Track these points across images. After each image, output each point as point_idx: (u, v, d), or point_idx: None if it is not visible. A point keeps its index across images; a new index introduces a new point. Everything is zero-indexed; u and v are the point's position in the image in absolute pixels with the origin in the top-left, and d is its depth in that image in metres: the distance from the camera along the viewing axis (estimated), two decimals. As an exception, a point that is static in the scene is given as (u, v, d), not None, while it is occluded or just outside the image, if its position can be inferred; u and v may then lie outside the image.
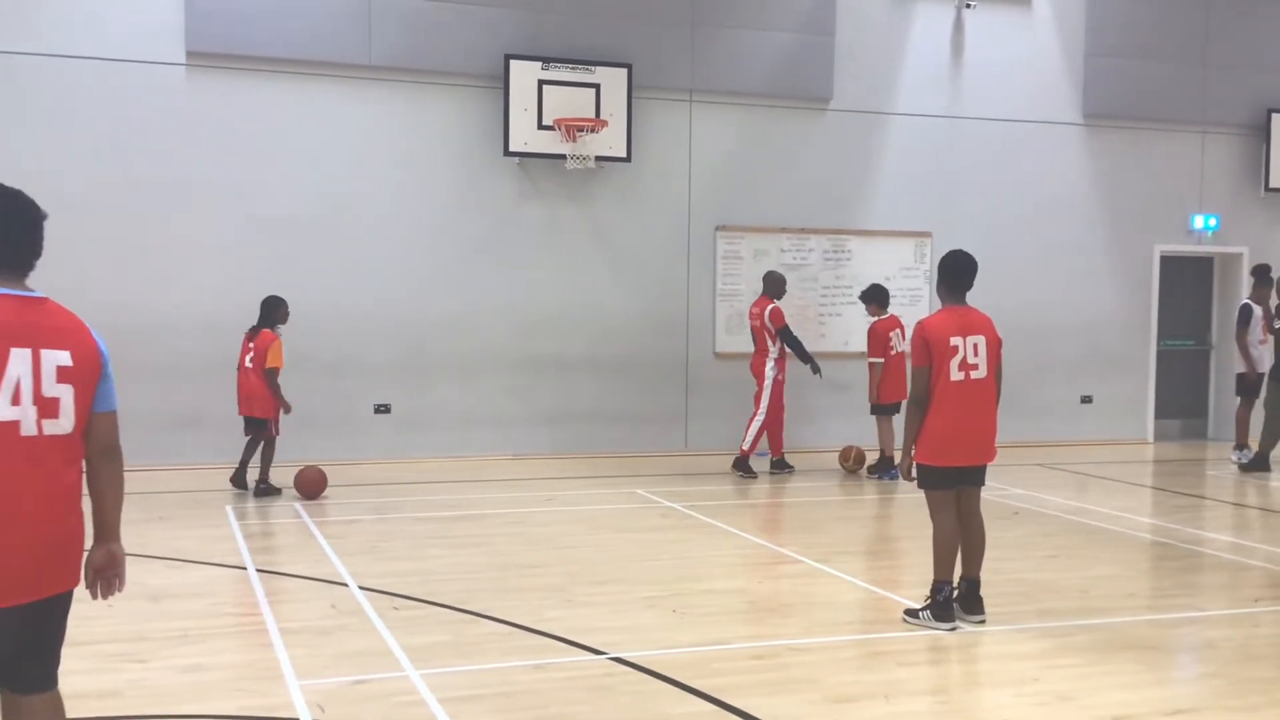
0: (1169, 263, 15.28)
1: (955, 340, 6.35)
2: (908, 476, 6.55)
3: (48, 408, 3.40)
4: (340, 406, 12.26)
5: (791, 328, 11.74)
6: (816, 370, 11.83)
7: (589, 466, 12.30)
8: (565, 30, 12.78)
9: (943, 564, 6.38)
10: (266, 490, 10.36)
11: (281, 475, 10.64)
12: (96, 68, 11.48)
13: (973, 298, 6.62)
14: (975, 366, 6.39)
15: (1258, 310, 12.95)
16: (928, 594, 6.44)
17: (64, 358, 3.44)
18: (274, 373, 10.21)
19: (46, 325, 3.45)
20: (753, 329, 11.86)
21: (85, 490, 3.57)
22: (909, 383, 11.47)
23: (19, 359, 3.35)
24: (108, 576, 3.66)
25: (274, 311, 10.46)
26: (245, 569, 7.63)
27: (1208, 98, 15.05)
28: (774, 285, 11.91)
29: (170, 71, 11.71)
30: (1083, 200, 14.81)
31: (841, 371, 13.40)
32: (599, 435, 13.12)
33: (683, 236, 13.37)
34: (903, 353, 11.59)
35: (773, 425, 11.83)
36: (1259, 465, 12.37)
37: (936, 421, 6.35)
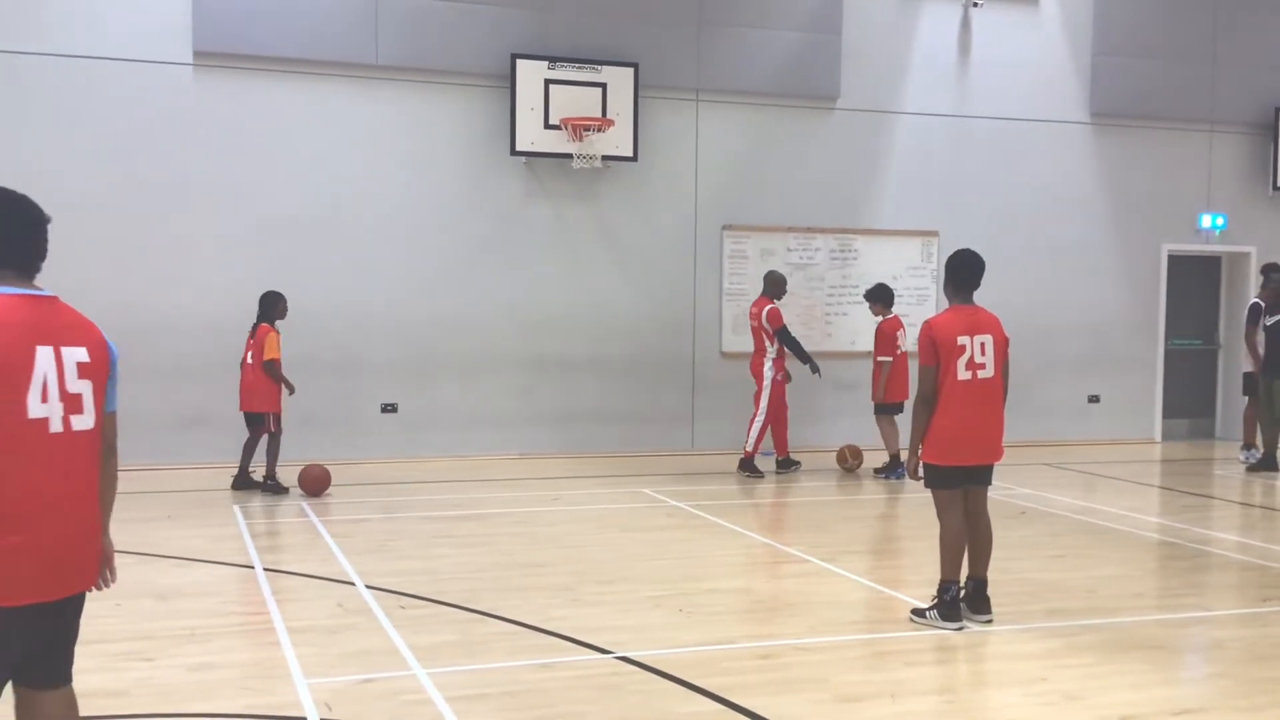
0: (1176, 262, 15.24)
1: (963, 339, 6.34)
2: (915, 475, 6.54)
3: (73, 404, 3.44)
4: (347, 406, 12.28)
5: (799, 326, 11.74)
6: (816, 370, 11.81)
7: (595, 466, 12.30)
8: (572, 30, 12.78)
9: (949, 563, 6.37)
10: (273, 488, 10.39)
11: (285, 474, 10.67)
12: (103, 67, 11.50)
13: (980, 297, 6.61)
14: (982, 366, 6.38)
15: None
16: (934, 593, 6.43)
17: (82, 354, 3.49)
18: (273, 364, 10.29)
19: (62, 323, 3.49)
20: (752, 329, 11.86)
21: None
22: (904, 382, 11.72)
23: (44, 356, 3.39)
24: (103, 572, 3.72)
25: (272, 307, 10.53)
26: (252, 568, 7.64)
27: (1215, 96, 15.02)
28: (774, 285, 11.89)
29: (177, 71, 11.73)
30: (1090, 199, 14.78)
31: (848, 371, 13.39)
32: (605, 435, 13.12)
33: (689, 236, 13.37)
34: (906, 352, 11.60)
35: (776, 424, 11.82)
36: (1267, 465, 12.33)
37: (944, 421, 6.34)
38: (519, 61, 12.47)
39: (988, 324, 6.47)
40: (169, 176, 11.69)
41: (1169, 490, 11.58)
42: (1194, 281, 15.51)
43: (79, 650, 3.68)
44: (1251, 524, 9.94)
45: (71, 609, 3.56)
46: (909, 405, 11.50)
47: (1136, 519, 9.78)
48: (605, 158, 12.63)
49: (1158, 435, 15.17)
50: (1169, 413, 15.32)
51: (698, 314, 13.41)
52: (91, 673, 5.18)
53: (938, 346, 6.35)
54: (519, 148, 12.51)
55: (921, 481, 6.52)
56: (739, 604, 7.00)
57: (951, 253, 6.69)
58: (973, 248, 6.72)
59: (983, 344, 6.39)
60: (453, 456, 12.58)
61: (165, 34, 11.65)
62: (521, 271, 12.81)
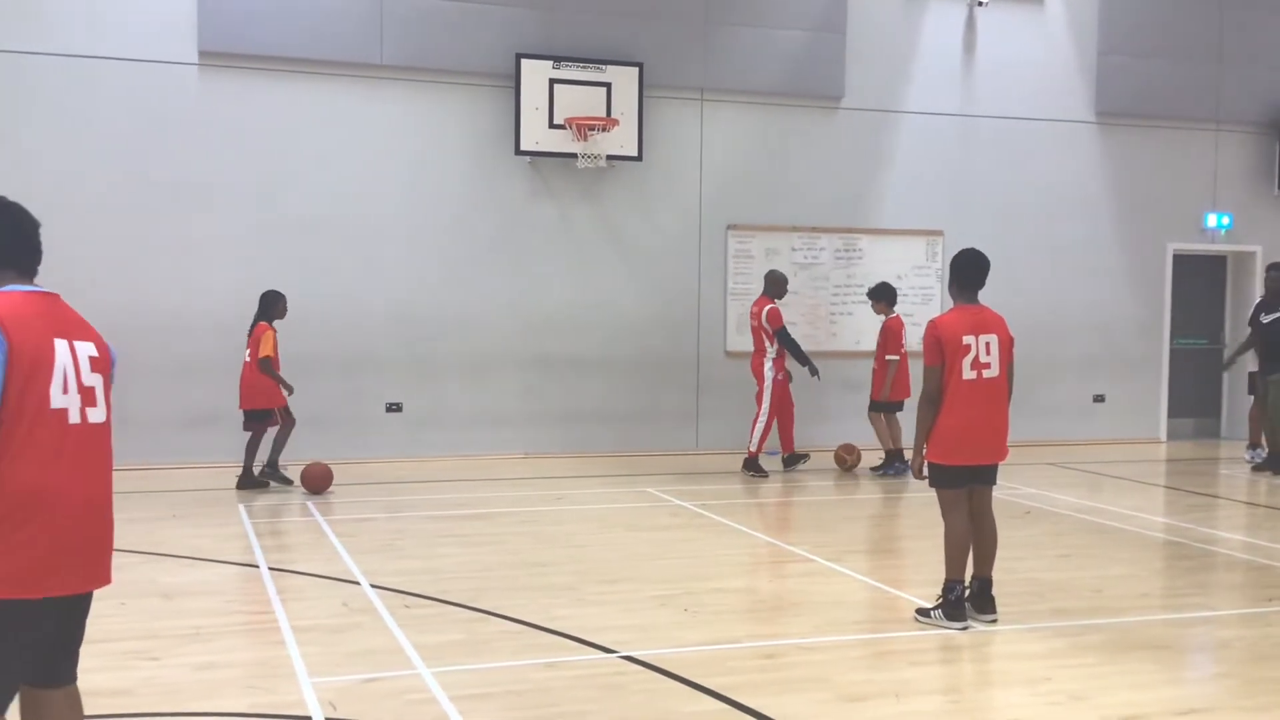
0: (1182, 261, 15.22)
1: (968, 339, 6.34)
2: (919, 475, 6.54)
3: (88, 397, 3.50)
4: (352, 405, 12.29)
5: (804, 325, 11.73)
6: (814, 372, 11.76)
7: (600, 465, 12.30)
8: (576, 29, 12.79)
9: (954, 563, 6.37)
10: (274, 475, 10.43)
11: (289, 474, 10.71)
12: (108, 67, 11.51)
13: (985, 296, 6.61)
14: (987, 365, 6.37)
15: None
16: (939, 593, 6.43)
17: (92, 349, 3.57)
18: (268, 361, 10.33)
19: (69, 319, 3.57)
20: (752, 329, 11.85)
21: None
22: (904, 381, 11.72)
23: (61, 348, 3.46)
24: None
25: (271, 306, 10.57)
26: (258, 567, 7.65)
27: (1221, 95, 14.99)
28: (774, 285, 11.87)
29: (182, 71, 11.75)
30: (1095, 199, 14.76)
31: (853, 370, 13.38)
32: (609, 434, 13.13)
33: (694, 235, 13.37)
34: (907, 351, 11.62)
35: (783, 420, 11.82)
36: (1273, 465, 12.30)
37: (948, 420, 6.34)
38: (524, 61, 12.47)
39: (993, 323, 6.46)
40: (174, 176, 11.70)
41: (1174, 490, 11.56)
42: (1199, 281, 15.49)
43: (83, 649, 3.69)
44: (1257, 523, 9.92)
45: (82, 607, 3.58)
46: (907, 405, 11.66)
47: (1142, 519, 9.77)
48: (610, 157, 12.63)
49: (1163, 435, 15.15)
50: (1174, 412, 15.30)
51: (702, 313, 13.41)
52: (96, 672, 5.19)
53: (943, 346, 6.34)
54: (524, 147, 12.52)
55: (926, 481, 6.52)
56: (743, 603, 7.00)
57: (957, 252, 6.68)
58: (978, 247, 6.72)
59: (988, 343, 6.38)
60: (457, 456, 12.59)
61: (170, 34, 11.67)
62: (526, 271, 12.81)
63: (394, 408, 12.50)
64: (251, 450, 10.57)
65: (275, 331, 10.49)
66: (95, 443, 3.52)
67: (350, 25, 12.15)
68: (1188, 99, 14.88)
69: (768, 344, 11.63)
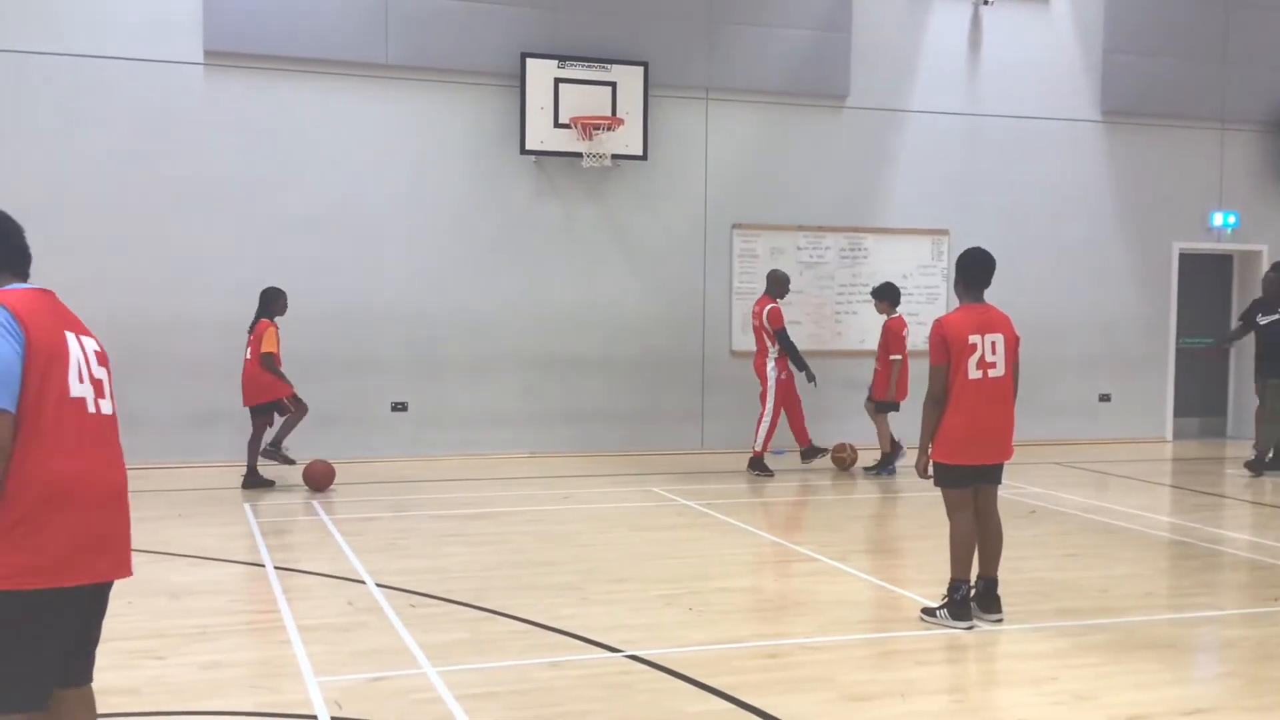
0: (1188, 260, 15.20)
1: (974, 338, 6.33)
2: (924, 475, 6.53)
3: (98, 388, 3.57)
4: (357, 404, 12.31)
5: (809, 325, 11.72)
6: (811, 378, 11.72)
7: (604, 465, 12.31)
8: (581, 28, 12.79)
9: (960, 562, 6.36)
10: (275, 455, 10.48)
11: (290, 471, 10.73)
12: (113, 67, 11.53)
13: (990, 295, 6.60)
14: (993, 365, 6.36)
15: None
16: (945, 593, 6.42)
17: (94, 344, 3.64)
18: (270, 358, 10.36)
19: (69, 314, 3.63)
20: (754, 328, 11.85)
21: None
22: (903, 381, 11.70)
23: (72, 341, 3.52)
24: None
25: (272, 303, 10.60)
26: (263, 566, 7.66)
27: (1227, 94, 14.97)
28: (776, 284, 11.85)
29: (187, 71, 11.76)
30: (1101, 198, 14.75)
31: (858, 370, 13.36)
32: (614, 433, 13.13)
33: (699, 235, 13.37)
34: (908, 352, 11.63)
35: (792, 417, 11.82)
36: (1257, 466, 12.19)
37: (954, 419, 6.33)
38: (529, 61, 12.48)
39: (999, 323, 6.46)
40: (179, 175, 11.72)
41: (1180, 489, 11.55)
42: (1205, 280, 15.46)
43: (90, 648, 3.71)
44: (1263, 523, 9.90)
45: (103, 601, 3.64)
46: (904, 405, 11.66)
47: (1147, 518, 9.75)
48: (615, 157, 12.64)
49: (1169, 434, 15.13)
50: (1180, 411, 15.28)
51: (707, 313, 13.41)
52: (103, 670, 5.17)
53: (949, 345, 6.33)
54: (529, 147, 12.53)
55: (931, 480, 6.51)
56: (748, 603, 7.00)
57: (962, 251, 6.67)
58: (983, 246, 6.71)
59: (994, 343, 6.37)
60: (463, 455, 12.60)
61: (175, 33, 11.69)
62: (531, 270, 12.82)
63: (399, 407, 12.51)
64: (254, 450, 10.59)
65: (277, 328, 10.52)
66: (111, 433, 3.60)
67: (355, 25, 12.16)
68: (1193, 98, 14.86)
69: (769, 344, 11.62)
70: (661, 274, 13.25)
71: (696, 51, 13.20)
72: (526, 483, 11.29)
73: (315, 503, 10.02)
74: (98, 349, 3.64)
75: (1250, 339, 12.90)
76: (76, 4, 11.43)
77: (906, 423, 11.04)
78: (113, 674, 5.29)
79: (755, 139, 13.48)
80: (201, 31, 11.73)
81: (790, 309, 12.08)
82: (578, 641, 5.98)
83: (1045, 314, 14.04)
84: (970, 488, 6.43)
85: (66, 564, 3.36)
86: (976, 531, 6.43)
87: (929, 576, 7.29)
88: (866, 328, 13.59)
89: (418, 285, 12.48)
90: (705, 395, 13.44)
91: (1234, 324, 15.43)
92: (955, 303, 6.80)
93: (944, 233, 14.08)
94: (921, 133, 14.04)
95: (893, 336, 11.78)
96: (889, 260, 13.88)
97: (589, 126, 12.46)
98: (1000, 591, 6.47)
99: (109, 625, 5.59)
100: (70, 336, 3.51)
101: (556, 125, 12.54)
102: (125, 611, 6.25)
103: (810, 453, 12.00)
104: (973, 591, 6.41)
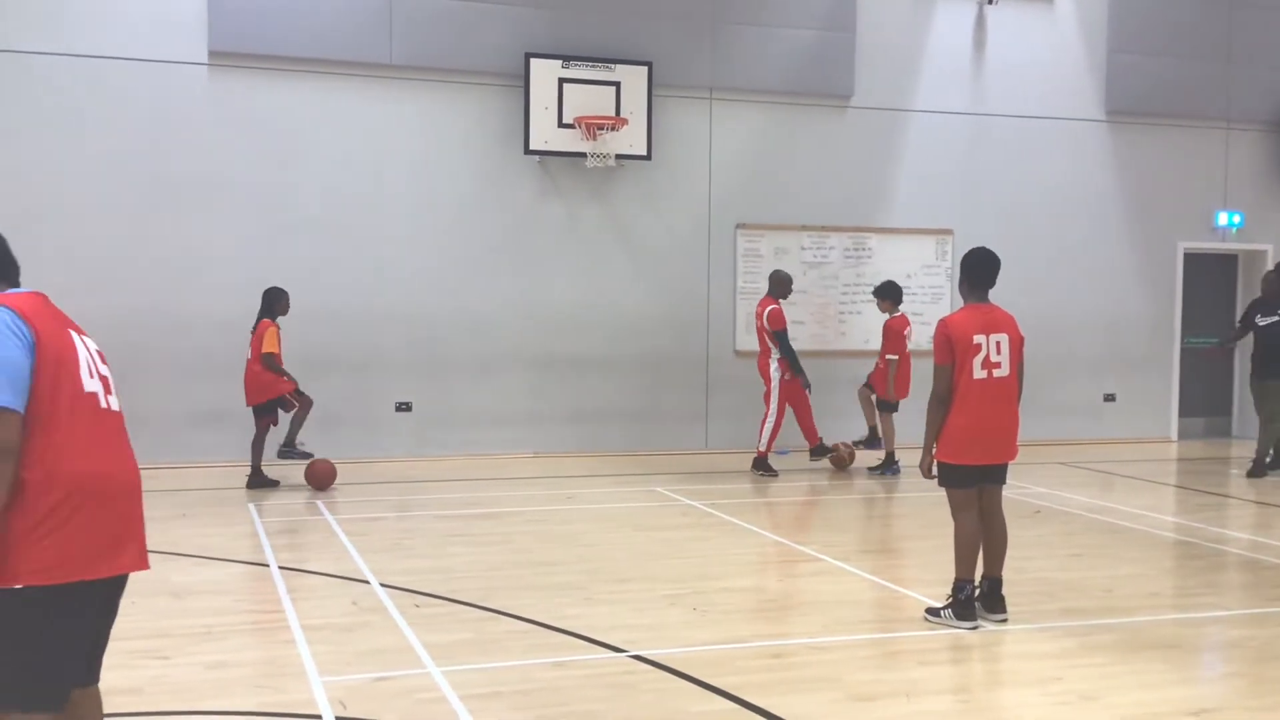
0: (1193, 260, 15.18)
1: (978, 338, 6.32)
2: (928, 475, 6.52)
3: (105, 385, 3.60)
4: (362, 404, 12.31)
5: (813, 324, 11.70)
6: (807, 385, 11.67)
7: (609, 464, 12.30)
8: (586, 28, 12.79)
9: (964, 562, 6.35)
10: (292, 452, 10.52)
11: (293, 471, 10.73)
12: (117, 67, 11.54)
13: (995, 295, 6.59)
14: (998, 365, 6.35)
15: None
16: (949, 593, 6.42)
17: (94, 343, 3.67)
18: (271, 357, 10.40)
19: (66, 316, 3.65)
20: (757, 328, 11.83)
21: None
22: (904, 381, 11.69)
23: (77, 340, 3.56)
24: None
25: (275, 303, 10.63)
26: (268, 566, 7.67)
27: (1231, 94, 14.94)
28: (778, 285, 11.82)
29: (192, 71, 11.77)
30: (1106, 197, 14.73)
31: (862, 369, 13.29)
32: (618, 433, 13.13)
33: (703, 234, 13.36)
34: (909, 351, 11.60)
35: (800, 416, 11.81)
36: (1257, 470, 12.12)
37: (958, 419, 6.32)
38: (533, 61, 12.48)
39: (1003, 322, 6.45)
40: (184, 175, 11.73)
41: (1185, 489, 11.53)
42: (1210, 280, 15.44)
43: (95, 647, 3.71)
44: (1268, 523, 9.88)
45: (119, 597, 3.66)
46: (904, 404, 11.65)
47: (1152, 518, 9.74)
48: (619, 156, 12.63)
49: (1174, 434, 15.11)
50: (1185, 411, 15.26)
51: (711, 313, 13.41)
52: (107, 670, 5.17)
53: (953, 345, 6.33)
54: (533, 147, 12.53)
55: (935, 480, 6.50)
56: (752, 603, 7.00)
57: (967, 251, 6.67)
58: (988, 246, 6.71)
59: (998, 343, 6.37)
60: (467, 455, 12.60)
61: (180, 33, 11.69)
62: (535, 270, 12.82)
63: (403, 407, 12.52)
64: (258, 449, 10.61)
65: (278, 328, 10.53)
66: (122, 429, 3.63)
67: (360, 25, 12.17)
68: (1198, 97, 14.83)
69: (771, 344, 11.61)
70: (665, 274, 13.25)
71: (701, 51, 13.19)
72: (531, 483, 11.29)
73: (320, 503, 10.02)
74: (98, 348, 3.68)
75: (1250, 339, 12.87)
76: (80, 4, 11.44)
77: (909, 422, 11.03)
78: (117, 674, 5.28)
79: (759, 139, 13.48)
80: (206, 31, 11.74)
81: (794, 309, 12.06)
82: (582, 641, 5.98)
83: (1050, 314, 14.02)
84: (975, 488, 6.42)
85: (93, 558, 3.40)
86: (981, 531, 6.42)
87: (933, 576, 7.29)
88: (870, 328, 13.56)
89: (421, 285, 12.48)
90: (709, 395, 13.43)
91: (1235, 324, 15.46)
92: (959, 302, 6.79)
93: (948, 232, 14.07)
94: (926, 132, 14.03)
95: (892, 335, 11.76)
96: (893, 260, 13.87)
97: (593, 126, 12.47)
98: (1005, 591, 6.47)
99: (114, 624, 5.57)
100: (75, 335, 3.56)
101: (560, 125, 12.54)
102: (129, 611, 6.18)
103: (819, 451, 11.99)
104: (977, 591, 6.40)
